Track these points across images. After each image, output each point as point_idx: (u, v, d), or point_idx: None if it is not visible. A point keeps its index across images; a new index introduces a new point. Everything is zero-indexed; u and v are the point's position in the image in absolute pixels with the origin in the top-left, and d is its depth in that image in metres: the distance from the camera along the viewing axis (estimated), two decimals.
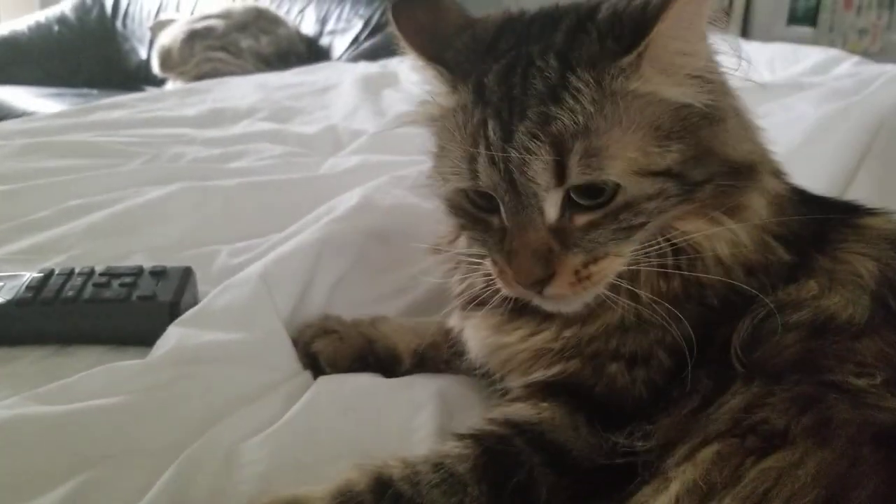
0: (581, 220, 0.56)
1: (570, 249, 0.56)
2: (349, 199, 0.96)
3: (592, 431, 0.57)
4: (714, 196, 0.58)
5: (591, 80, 0.54)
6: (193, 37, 3.28)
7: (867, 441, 0.48)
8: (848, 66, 1.85)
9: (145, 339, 0.72)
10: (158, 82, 3.39)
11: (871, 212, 0.67)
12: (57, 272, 0.79)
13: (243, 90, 1.77)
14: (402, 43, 0.63)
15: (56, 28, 3.68)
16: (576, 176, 0.54)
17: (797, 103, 1.23)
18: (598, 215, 0.56)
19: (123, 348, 0.73)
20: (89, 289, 0.76)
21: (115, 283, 0.77)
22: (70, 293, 0.75)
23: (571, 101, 0.54)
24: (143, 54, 3.64)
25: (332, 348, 0.76)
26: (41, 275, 0.78)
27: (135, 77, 3.60)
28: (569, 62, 0.55)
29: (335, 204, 0.96)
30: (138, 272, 0.79)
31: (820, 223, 0.63)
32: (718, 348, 0.57)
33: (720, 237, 0.59)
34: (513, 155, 0.55)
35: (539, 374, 0.63)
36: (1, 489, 0.52)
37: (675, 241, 0.59)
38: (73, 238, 0.91)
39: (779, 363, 0.54)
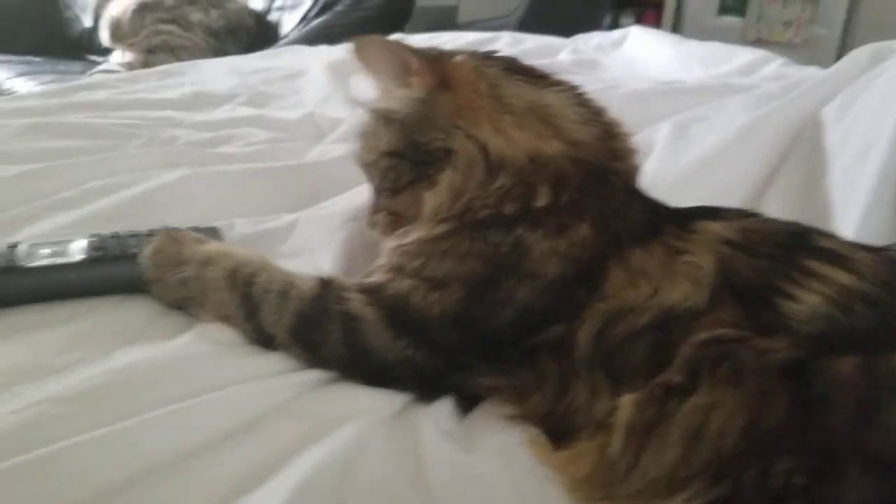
0: None
1: None
2: None
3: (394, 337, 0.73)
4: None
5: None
6: (144, 9, 3.27)
7: (771, 376, 0.58)
8: (774, 67, 2.05)
9: None
10: (102, 52, 3.37)
11: (712, 215, 0.74)
12: (109, 235, 0.89)
13: (217, 73, 1.84)
14: None
15: None
16: None
17: (728, 108, 1.39)
18: None
19: None
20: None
21: None
22: (134, 251, 0.86)
23: None
24: (86, 22, 3.60)
25: None
26: (95, 238, 0.87)
27: (77, 46, 3.56)
28: None
29: None
30: None
31: (652, 220, 0.75)
32: (553, 343, 0.69)
33: None
34: None
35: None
36: None
37: None
38: (101, 218, 1.00)
39: (633, 362, 0.64)
